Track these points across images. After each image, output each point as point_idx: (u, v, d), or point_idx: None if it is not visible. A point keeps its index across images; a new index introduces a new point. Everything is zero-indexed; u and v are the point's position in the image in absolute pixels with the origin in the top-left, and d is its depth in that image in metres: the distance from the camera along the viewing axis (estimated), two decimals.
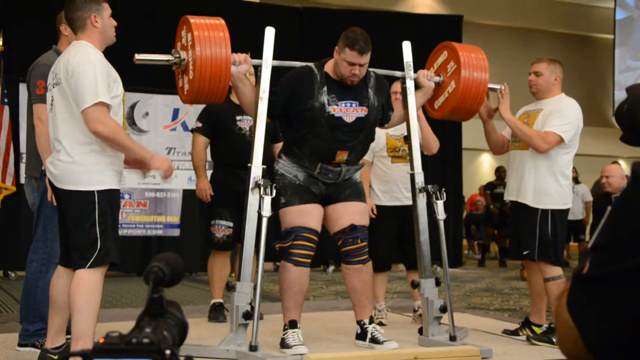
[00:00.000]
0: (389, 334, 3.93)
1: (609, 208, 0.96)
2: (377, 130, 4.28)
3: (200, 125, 4.61)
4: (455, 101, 4.02)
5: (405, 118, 4.00)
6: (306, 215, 3.66)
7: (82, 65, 2.98)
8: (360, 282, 3.77)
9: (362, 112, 3.69)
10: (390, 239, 4.51)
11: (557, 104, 4.03)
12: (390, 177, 4.49)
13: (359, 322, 3.80)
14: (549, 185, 3.95)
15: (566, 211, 4.06)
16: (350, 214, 3.76)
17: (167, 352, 0.83)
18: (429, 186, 3.90)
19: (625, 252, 0.87)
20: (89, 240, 3.01)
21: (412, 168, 3.98)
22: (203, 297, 5.88)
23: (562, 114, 3.95)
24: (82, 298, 2.99)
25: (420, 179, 3.94)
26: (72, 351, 2.89)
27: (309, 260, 3.67)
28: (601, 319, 0.88)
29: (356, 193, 3.82)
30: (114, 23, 3.20)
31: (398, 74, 4.02)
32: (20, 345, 3.61)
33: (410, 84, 3.98)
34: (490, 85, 4.07)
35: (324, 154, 3.67)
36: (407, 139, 4.02)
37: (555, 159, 3.96)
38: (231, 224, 4.52)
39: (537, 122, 4.00)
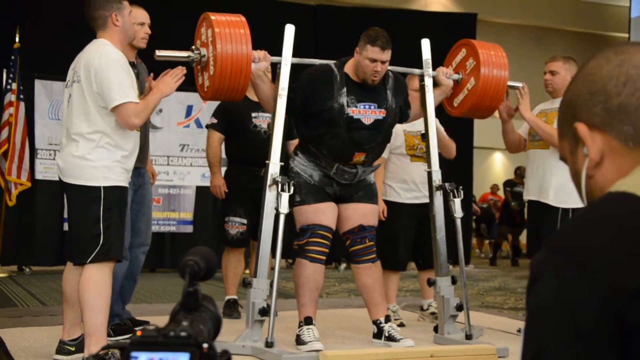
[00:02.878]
0: (403, 332, 3.93)
1: None
2: (394, 127, 4.27)
3: (215, 121, 4.60)
4: (474, 98, 4.01)
5: (423, 116, 3.99)
6: (321, 213, 3.67)
7: (106, 64, 3.02)
8: (371, 280, 3.76)
9: (380, 114, 3.68)
10: (408, 236, 4.49)
11: None
12: (409, 176, 4.48)
13: (374, 322, 3.79)
14: (571, 184, 3.92)
15: None
16: (361, 215, 3.77)
17: (205, 345, 0.83)
18: (446, 184, 3.90)
19: None
20: (91, 235, 3.03)
21: (429, 166, 3.97)
22: (217, 294, 5.88)
23: None
24: (92, 294, 3.01)
25: (437, 176, 3.93)
26: (107, 344, 2.92)
27: (324, 258, 3.69)
28: None
29: (369, 195, 3.83)
30: (134, 21, 3.23)
31: (417, 71, 4.01)
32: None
33: (428, 82, 3.97)
34: (510, 83, 4.05)
35: (341, 155, 3.67)
36: (425, 136, 4.01)
37: None
38: (245, 221, 4.51)
39: (556, 120, 3.97)
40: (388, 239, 4.49)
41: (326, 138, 3.64)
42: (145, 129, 3.73)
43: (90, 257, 3.03)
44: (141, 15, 3.73)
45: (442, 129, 4.44)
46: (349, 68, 3.67)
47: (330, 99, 3.60)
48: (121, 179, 3.11)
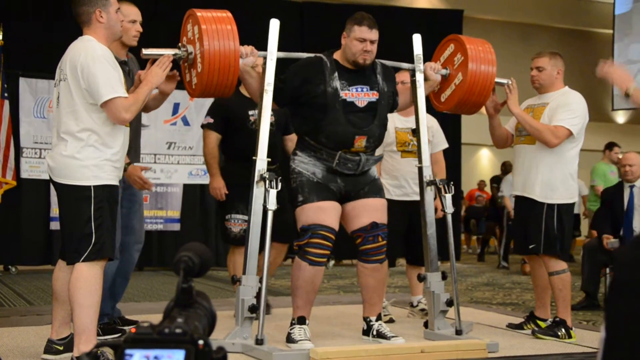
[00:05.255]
0: (393, 328, 3.93)
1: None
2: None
3: (211, 120, 4.48)
4: (462, 94, 4.01)
5: (414, 110, 3.99)
6: (323, 213, 3.60)
7: (92, 59, 3.00)
8: (374, 281, 3.73)
9: (373, 96, 3.67)
10: (397, 233, 4.49)
11: (564, 98, 4.02)
12: (399, 172, 4.48)
13: (365, 319, 3.79)
14: (557, 180, 3.95)
15: (572, 205, 4.06)
16: (371, 211, 3.70)
17: (200, 342, 0.82)
18: (437, 179, 3.90)
19: None
20: (83, 234, 3.02)
21: (420, 162, 3.96)
22: (210, 292, 5.86)
23: (570, 108, 3.95)
24: (82, 292, 3.00)
25: (428, 172, 3.92)
26: (99, 342, 2.90)
27: (324, 260, 3.65)
28: None
29: (375, 189, 3.77)
30: (122, 18, 3.21)
31: (406, 65, 4.00)
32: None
33: (419, 77, 3.96)
34: (497, 80, 4.05)
35: (342, 140, 3.60)
36: (416, 132, 4.01)
37: (562, 154, 3.96)
38: (247, 218, 4.44)
39: (544, 116, 3.99)
40: None
41: (323, 124, 3.58)
42: (136, 125, 3.70)
43: (83, 256, 3.02)
44: (133, 12, 3.69)
45: (443, 162, 4.61)
46: (337, 56, 3.69)
47: (322, 84, 3.59)
48: (111, 177, 3.09)
